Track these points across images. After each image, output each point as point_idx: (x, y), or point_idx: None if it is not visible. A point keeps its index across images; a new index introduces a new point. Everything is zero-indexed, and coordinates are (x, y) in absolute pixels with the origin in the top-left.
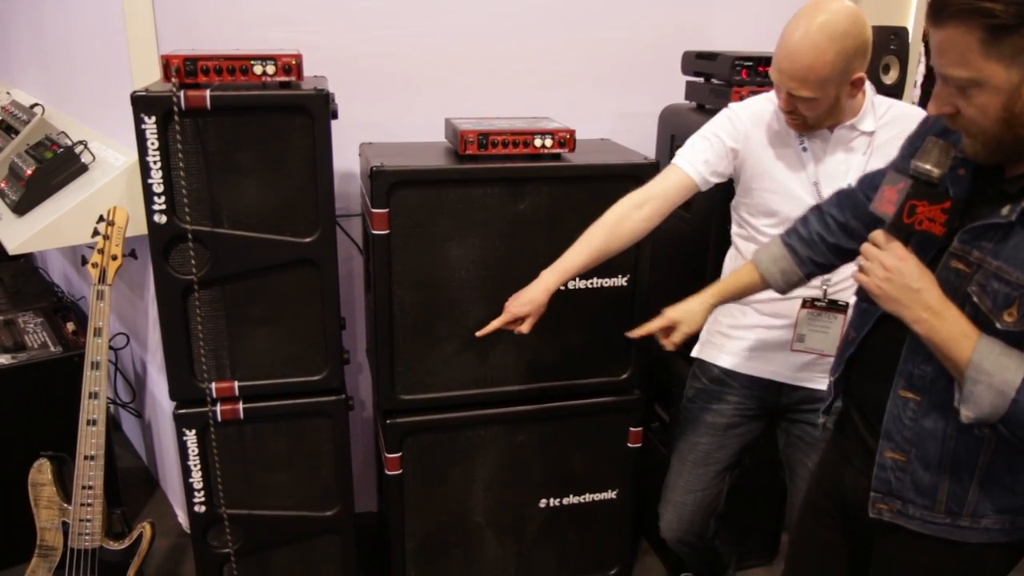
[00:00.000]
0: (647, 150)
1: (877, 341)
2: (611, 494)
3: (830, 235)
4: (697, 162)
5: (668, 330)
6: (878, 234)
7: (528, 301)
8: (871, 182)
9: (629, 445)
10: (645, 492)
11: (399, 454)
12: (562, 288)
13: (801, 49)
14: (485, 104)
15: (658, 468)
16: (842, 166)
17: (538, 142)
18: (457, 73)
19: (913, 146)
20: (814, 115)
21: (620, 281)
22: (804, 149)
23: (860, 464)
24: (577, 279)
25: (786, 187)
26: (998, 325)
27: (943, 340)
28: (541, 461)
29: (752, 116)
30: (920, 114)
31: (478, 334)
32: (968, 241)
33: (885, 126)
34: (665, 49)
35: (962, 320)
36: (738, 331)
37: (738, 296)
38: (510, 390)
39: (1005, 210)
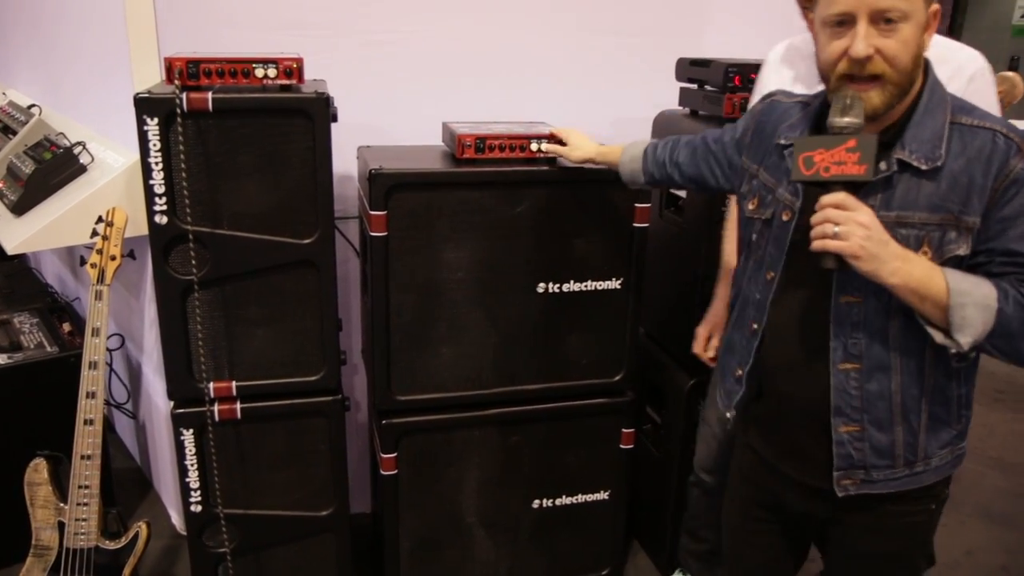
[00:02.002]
0: None
1: (783, 328)
2: (603, 495)
3: (671, 168)
4: None
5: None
6: (846, 197)
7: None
8: (723, 149)
9: (621, 446)
10: (637, 493)
11: (394, 454)
12: (556, 291)
13: None
14: (482, 108)
15: (650, 470)
16: None
17: (534, 146)
18: (455, 78)
19: (761, 136)
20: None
21: (614, 284)
22: None
23: (799, 463)
24: (572, 282)
25: None
26: None
27: (919, 281)
28: (534, 462)
29: (782, 51)
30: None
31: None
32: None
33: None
34: (660, 56)
35: (922, 258)
36: None
37: (605, 166)
38: (504, 391)
39: (882, 164)
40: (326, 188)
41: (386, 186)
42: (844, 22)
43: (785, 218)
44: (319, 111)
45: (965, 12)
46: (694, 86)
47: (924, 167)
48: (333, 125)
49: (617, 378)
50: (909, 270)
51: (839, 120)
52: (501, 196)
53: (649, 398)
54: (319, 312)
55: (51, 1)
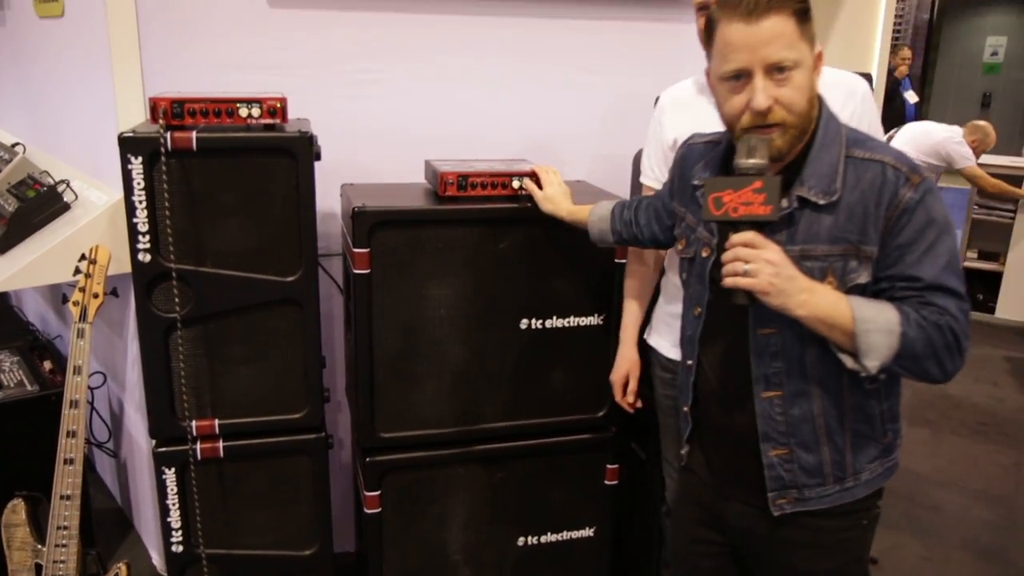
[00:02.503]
0: (622, 191)
1: (708, 367)
2: (589, 531)
3: (635, 228)
4: (655, 170)
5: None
6: (754, 236)
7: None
8: (664, 206)
9: (606, 482)
10: (622, 529)
11: (378, 492)
12: (539, 327)
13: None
14: (464, 146)
15: (635, 505)
16: None
17: (516, 183)
18: (437, 116)
19: (684, 180)
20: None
21: (596, 319)
22: None
23: (737, 486)
24: (554, 318)
25: None
26: None
27: (826, 311)
28: (519, 499)
29: (671, 99)
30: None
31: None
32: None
33: None
34: (638, 94)
35: (828, 288)
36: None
37: (574, 224)
38: (488, 427)
39: (784, 202)
40: (309, 226)
41: (369, 224)
42: (741, 76)
43: (704, 255)
44: (302, 150)
45: (938, 51)
46: None
47: (822, 201)
48: (317, 163)
49: (600, 413)
50: (816, 302)
51: (745, 162)
52: (483, 233)
53: (633, 433)
54: (302, 350)
55: (36, 40)
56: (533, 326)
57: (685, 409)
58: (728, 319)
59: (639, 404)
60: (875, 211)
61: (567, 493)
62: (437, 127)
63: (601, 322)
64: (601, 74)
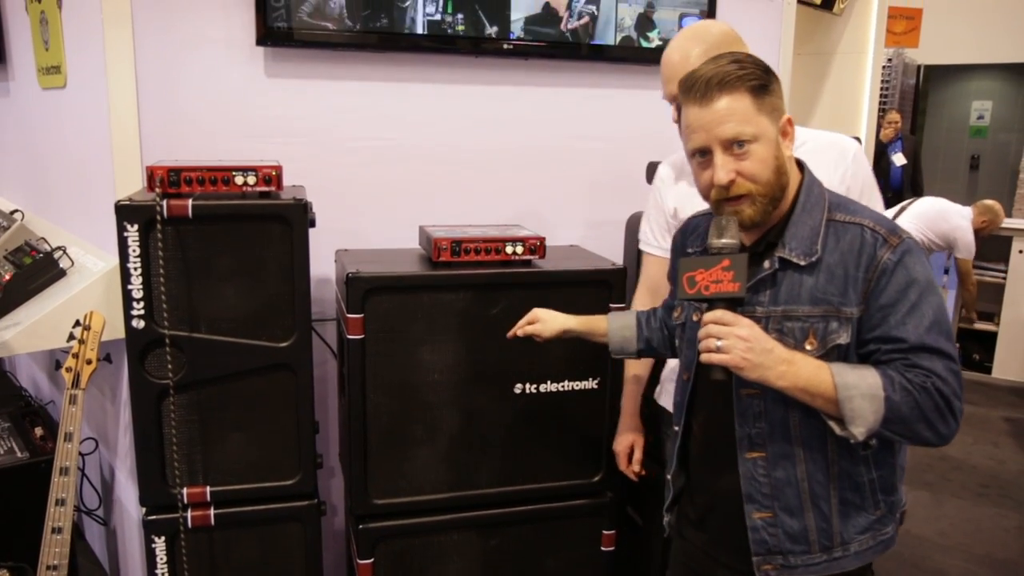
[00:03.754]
0: (615, 256)
1: (697, 430)
2: None
3: (667, 331)
4: (657, 238)
5: (532, 323)
6: (724, 313)
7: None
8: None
9: (602, 548)
10: None
11: (371, 560)
12: (533, 391)
13: (708, 66)
14: (458, 212)
15: (632, 572)
16: None
17: (509, 249)
18: (431, 182)
19: (681, 253)
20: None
21: (591, 384)
22: None
23: (726, 551)
24: (548, 382)
25: None
26: None
27: (806, 381)
28: (515, 565)
29: (670, 168)
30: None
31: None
32: (749, 301)
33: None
34: (630, 159)
35: (810, 358)
36: None
37: (586, 335)
38: (483, 493)
39: (767, 264)
40: (303, 292)
41: (363, 289)
42: (705, 153)
43: (695, 319)
44: (297, 217)
45: (925, 114)
46: None
47: (802, 263)
48: (312, 229)
49: (596, 479)
50: (796, 372)
51: (716, 242)
52: (477, 298)
53: (630, 499)
54: (295, 416)
55: (39, 110)
56: (527, 390)
57: (668, 476)
58: (714, 382)
59: (643, 472)
60: (855, 273)
61: (563, 560)
62: (431, 193)
63: (596, 386)
64: (592, 140)
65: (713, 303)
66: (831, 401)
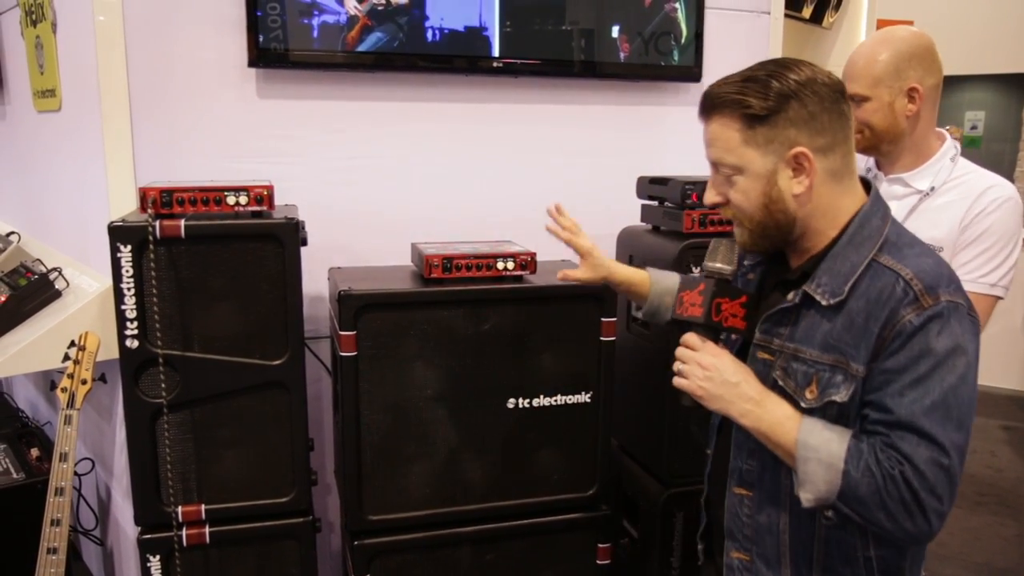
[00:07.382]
0: None
1: (718, 452)
2: None
3: None
4: None
5: (584, 258)
6: (690, 337)
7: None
8: None
9: (598, 562)
10: None
11: None
12: (526, 406)
13: (859, 51)
14: (449, 229)
15: None
16: None
17: (501, 265)
18: (423, 199)
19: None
20: (878, 123)
21: (584, 397)
22: None
23: None
24: (542, 396)
25: None
26: (802, 404)
27: (769, 427)
28: None
29: None
30: (984, 187)
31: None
32: (768, 331)
33: (950, 189)
34: (621, 174)
35: (784, 404)
36: None
37: (625, 289)
38: (478, 508)
39: (791, 295)
40: (296, 310)
41: (355, 307)
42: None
43: (732, 337)
44: (289, 236)
45: None
46: (655, 203)
47: (824, 302)
48: (304, 248)
49: (591, 492)
50: (759, 415)
51: (706, 264)
52: (469, 314)
53: (625, 512)
54: (289, 433)
55: (34, 133)
56: (520, 405)
57: (702, 500)
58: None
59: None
60: (872, 327)
61: (559, 573)
62: (422, 210)
63: (589, 400)
64: (585, 155)
65: (688, 326)
66: (790, 456)
